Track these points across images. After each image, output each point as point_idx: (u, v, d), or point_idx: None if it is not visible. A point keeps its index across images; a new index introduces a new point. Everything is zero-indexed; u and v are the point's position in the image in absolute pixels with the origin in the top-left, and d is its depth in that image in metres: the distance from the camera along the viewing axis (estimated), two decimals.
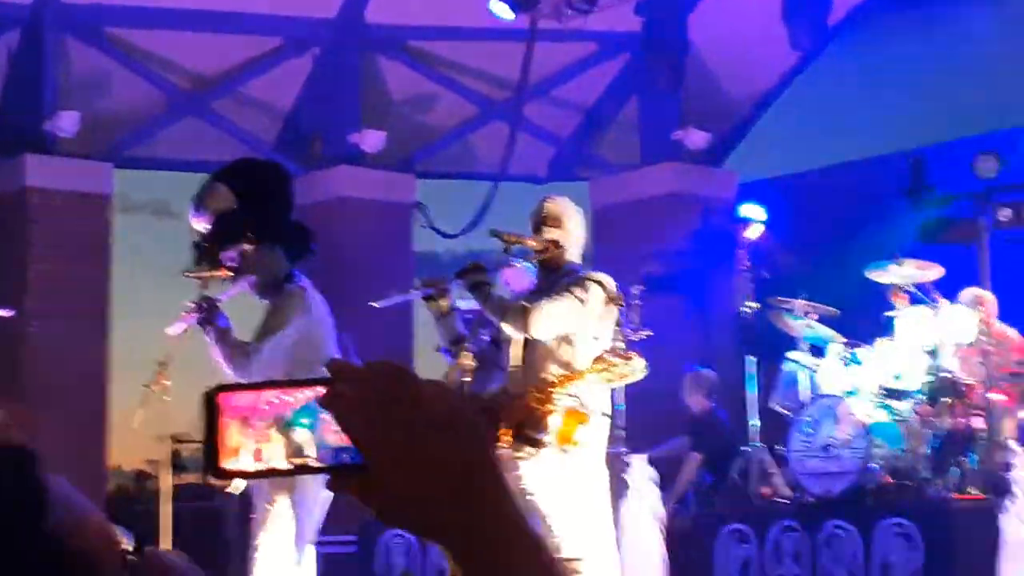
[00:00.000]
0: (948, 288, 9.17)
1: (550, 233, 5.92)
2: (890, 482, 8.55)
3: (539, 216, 5.98)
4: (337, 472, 1.19)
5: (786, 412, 9.07)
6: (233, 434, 1.21)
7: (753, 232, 9.48)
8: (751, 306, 9.26)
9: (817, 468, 8.60)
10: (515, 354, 5.89)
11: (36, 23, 11.31)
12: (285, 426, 1.22)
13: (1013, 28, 10.57)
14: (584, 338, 5.82)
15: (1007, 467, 8.38)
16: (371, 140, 12.21)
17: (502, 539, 1.15)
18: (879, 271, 9.07)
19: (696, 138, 12.58)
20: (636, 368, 5.77)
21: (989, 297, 8.94)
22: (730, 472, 9.24)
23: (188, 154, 12.26)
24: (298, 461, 1.21)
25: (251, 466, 1.22)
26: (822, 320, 9.23)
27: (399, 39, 12.42)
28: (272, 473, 1.23)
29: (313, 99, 12.38)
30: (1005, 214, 10.21)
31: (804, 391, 9.02)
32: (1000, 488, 8.23)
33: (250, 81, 12.23)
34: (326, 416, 1.20)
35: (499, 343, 5.94)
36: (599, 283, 5.84)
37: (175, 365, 6.05)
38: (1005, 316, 9.04)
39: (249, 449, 1.21)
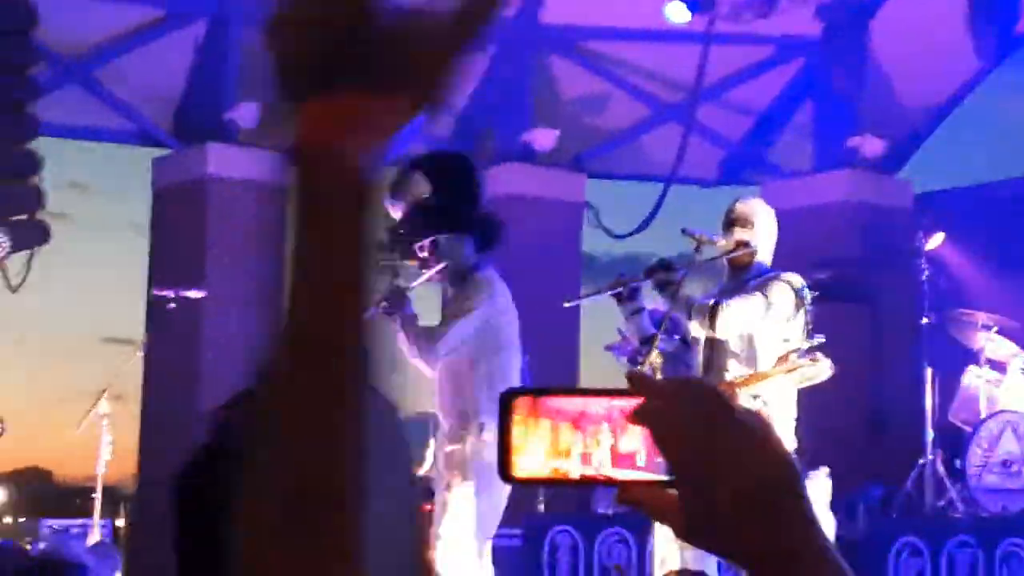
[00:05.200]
0: None
1: (740, 234, 5.90)
2: None
3: (729, 216, 5.96)
4: (641, 487, 1.18)
5: (964, 426, 8.88)
6: (565, 435, 1.21)
7: (934, 242, 9.28)
8: (930, 317, 9.08)
9: (995, 484, 8.42)
10: (701, 353, 5.87)
11: (221, 13, 11.55)
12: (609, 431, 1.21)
13: None
14: (770, 339, 5.78)
15: None
16: (543, 139, 12.24)
17: (807, 567, 1.14)
18: None
19: (872, 145, 12.38)
20: (822, 369, 5.71)
21: None
22: (904, 484, 9.06)
23: None
24: (604, 474, 1.19)
25: (542, 473, 1.21)
26: (1003, 333, 9.02)
27: (573, 39, 12.43)
28: (564, 483, 1.22)
29: (487, 97, 12.44)
30: None
31: (984, 405, 8.83)
32: None
33: None
34: (629, 428, 1.18)
35: (688, 342, 5.92)
36: (788, 283, 5.79)
37: None
38: None
39: (578, 452, 1.21)
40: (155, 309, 7.64)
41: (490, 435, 5.78)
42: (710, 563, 5.89)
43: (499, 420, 1.20)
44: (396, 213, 5.97)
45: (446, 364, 5.90)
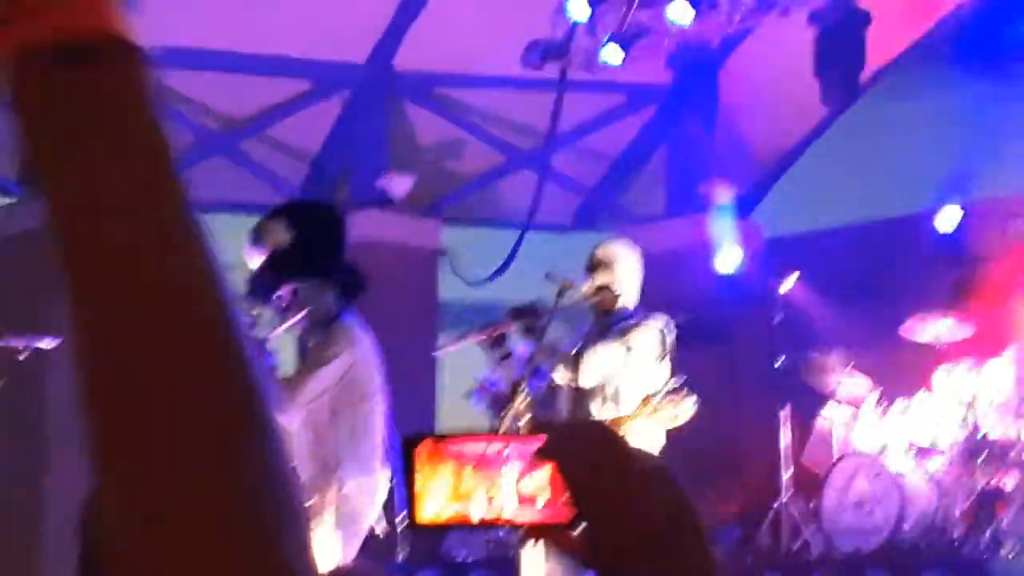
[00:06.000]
0: (981, 346, 9.14)
1: (602, 277, 5.93)
2: (923, 540, 8.49)
3: (592, 260, 6.00)
4: (544, 527, 1.20)
5: (817, 469, 9.01)
6: (468, 478, 1.21)
7: (787, 284, 9.45)
8: (784, 359, 9.23)
9: (850, 524, 8.55)
10: (566, 398, 5.88)
11: None
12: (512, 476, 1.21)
13: None
14: (633, 382, 5.81)
15: None
16: (398, 184, 12.19)
17: None
18: (914, 328, 9.05)
19: (721, 191, 12.58)
20: (685, 407, 5.78)
21: None
22: (760, 527, 9.17)
23: (215, 195, 12.24)
24: (506, 516, 1.21)
25: (446, 516, 1.21)
26: (856, 374, 9.20)
27: (427, 86, 12.43)
28: (468, 526, 1.23)
29: (341, 143, 12.38)
30: None
31: (837, 446, 8.98)
32: None
33: (279, 123, 12.23)
34: (532, 471, 1.20)
35: (555, 386, 5.93)
36: (653, 327, 5.84)
37: None
38: None
39: (481, 494, 1.21)
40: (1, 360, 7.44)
41: (351, 487, 5.70)
42: None
43: (403, 464, 1.20)
44: (257, 260, 5.88)
45: (306, 414, 5.81)
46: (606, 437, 1.19)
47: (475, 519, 1.22)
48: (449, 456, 1.22)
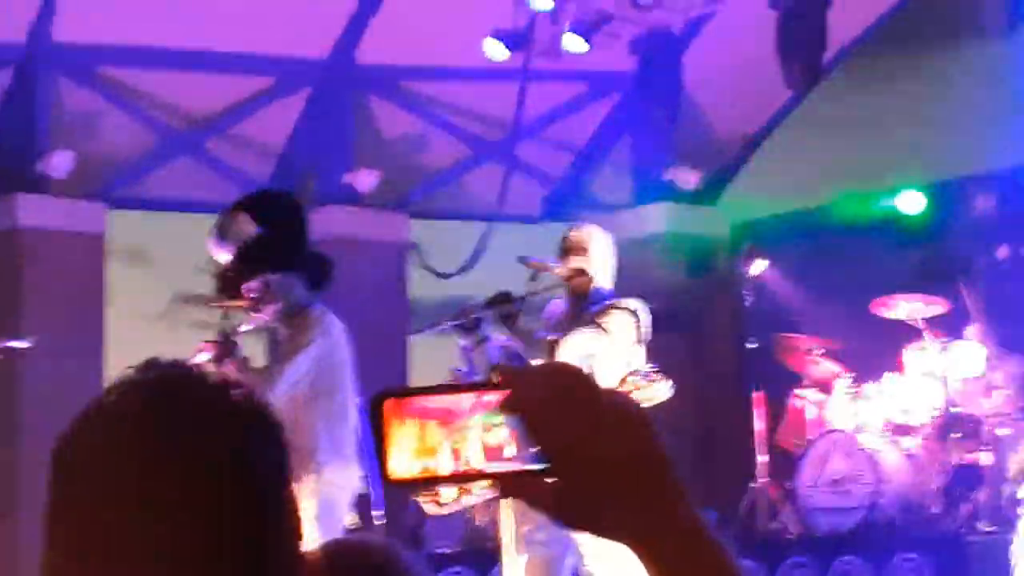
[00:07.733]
0: (950, 323, 9.18)
1: (575, 261, 5.93)
2: (900, 517, 8.53)
3: (564, 245, 6.00)
4: (514, 477, 1.18)
5: (794, 448, 9.05)
6: (432, 433, 1.19)
7: (756, 268, 9.47)
8: (754, 342, 9.25)
9: (826, 503, 8.58)
10: None
11: (29, 62, 11.24)
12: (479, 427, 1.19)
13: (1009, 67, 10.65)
14: (610, 365, 5.80)
15: (1016, 502, 8.38)
16: (364, 180, 12.16)
17: (686, 541, 1.15)
18: (884, 307, 9.09)
19: (688, 177, 12.60)
20: (660, 389, 5.78)
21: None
22: (738, 508, 9.19)
23: (182, 194, 12.18)
24: (475, 468, 1.19)
25: (414, 472, 1.19)
26: (827, 355, 9.24)
27: (391, 79, 12.40)
28: (438, 481, 1.21)
29: (306, 139, 12.34)
30: (1003, 252, 10.24)
31: (811, 426, 9.01)
32: (1010, 522, 8.23)
33: (243, 121, 12.17)
34: (503, 421, 1.18)
35: None
36: (627, 310, 5.84)
37: None
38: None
39: (447, 449, 1.19)
40: None
41: (330, 473, 5.68)
42: None
43: (371, 424, 1.18)
44: (225, 256, 5.85)
45: (284, 403, 5.79)
46: (572, 381, 1.16)
47: (445, 473, 1.20)
48: (413, 412, 1.20)
